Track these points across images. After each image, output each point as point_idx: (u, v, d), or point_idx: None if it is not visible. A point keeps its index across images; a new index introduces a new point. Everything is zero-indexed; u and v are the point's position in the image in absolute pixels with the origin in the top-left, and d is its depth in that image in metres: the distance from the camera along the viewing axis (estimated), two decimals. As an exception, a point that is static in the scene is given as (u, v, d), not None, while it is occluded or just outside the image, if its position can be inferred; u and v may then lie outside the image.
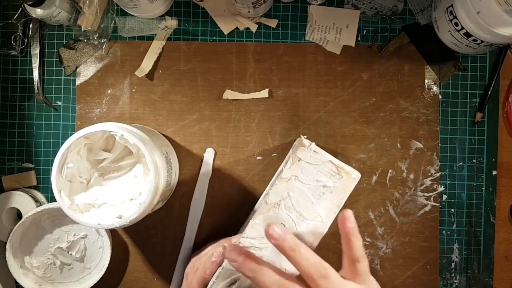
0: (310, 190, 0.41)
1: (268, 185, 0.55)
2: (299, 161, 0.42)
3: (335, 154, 0.57)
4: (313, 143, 0.43)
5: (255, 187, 0.57)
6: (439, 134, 0.57)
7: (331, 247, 0.56)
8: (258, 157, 0.57)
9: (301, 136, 0.49)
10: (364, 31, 0.57)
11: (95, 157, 0.50)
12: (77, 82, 0.57)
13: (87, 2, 0.54)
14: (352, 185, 0.42)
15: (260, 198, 0.55)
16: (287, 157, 0.53)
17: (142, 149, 0.44)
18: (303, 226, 0.41)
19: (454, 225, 0.57)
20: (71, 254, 0.55)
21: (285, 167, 0.42)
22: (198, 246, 0.55)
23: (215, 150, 0.57)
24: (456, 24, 0.50)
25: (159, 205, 0.52)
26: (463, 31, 0.50)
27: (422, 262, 0.57)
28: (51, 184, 0.46)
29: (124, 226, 0.45)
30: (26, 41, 0.56)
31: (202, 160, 0.57)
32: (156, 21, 0.56)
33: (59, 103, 0.57)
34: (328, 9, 0.56)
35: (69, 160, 0.46)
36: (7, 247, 0.52)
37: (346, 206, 0.40)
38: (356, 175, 0.42)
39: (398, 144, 0.57)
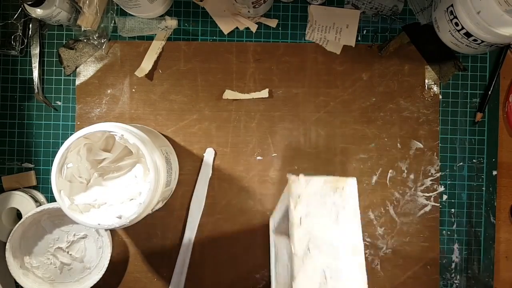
0: (325, 217, 0.40)
1: (272, 244, 0.54)
2: (299, 197, 0.41)
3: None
4: (301, 174, 0.41)
5: (255, 187, 0.57)
6: (439, 134, 0.57)
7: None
8: (258, 157, 0.57)
9: (287, 175, 0.46)
10: (364, 31, 0.57)
11: (95, 157, 0.50)
12: (77, 82, 0.57)
13: (87, 2, 0.54)
14: (355, 189, 0.41)
15: (273, 257, 0.53)
16: (281, 203, 0.51)
17: (142, 149, 0.44)
18: (342, 251, 0.40)
19: (454, 225, 0.57)
20: (71, 254, 0.55)
21: (290, 212, 0.41)
22: (198, 246, 0.55)
23: (215, 150, 0.57)
24: (457, 24, 0.50)
25: (159, 205, 0.51)
26: (463, 31, 0.50)
27: (422, 262, 0.57)
28: (51, 184, 0.46)
29: (124, 226, 0.44)
30: (26, 41, 0.56)
31: (202, 160, 0.57)
32: (156, 21, 0.56)
33: (59, 103, 0.57)
34: (328, 9, 0.56)
35: (69, 160, 0.46)
36: (7, 247, 0.52)
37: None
38: (351, 181, 0.41)
39: (398, 144, 0.57)
